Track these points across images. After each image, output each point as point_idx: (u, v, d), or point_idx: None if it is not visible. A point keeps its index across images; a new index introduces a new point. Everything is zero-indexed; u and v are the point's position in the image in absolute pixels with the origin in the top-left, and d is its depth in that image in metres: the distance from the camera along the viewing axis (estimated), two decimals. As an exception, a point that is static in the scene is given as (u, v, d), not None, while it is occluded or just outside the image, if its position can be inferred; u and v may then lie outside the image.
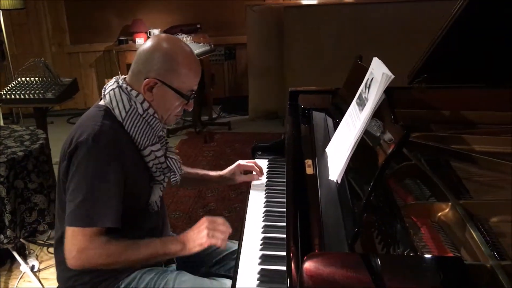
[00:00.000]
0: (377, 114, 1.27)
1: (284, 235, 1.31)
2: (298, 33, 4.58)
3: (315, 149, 1.60)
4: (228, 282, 1.45)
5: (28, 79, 3.02)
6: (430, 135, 1.66)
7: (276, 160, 1.93)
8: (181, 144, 4.56)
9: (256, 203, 1.61)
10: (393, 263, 0.94)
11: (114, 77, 1.46)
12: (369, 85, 1.34)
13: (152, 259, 1.39)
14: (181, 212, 3.19)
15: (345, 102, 1.56)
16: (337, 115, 1.67)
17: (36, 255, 2.70)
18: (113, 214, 1.33)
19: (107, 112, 1.39)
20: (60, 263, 1.52)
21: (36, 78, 3.03)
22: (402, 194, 1.33)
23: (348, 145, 1.32)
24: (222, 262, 1.62)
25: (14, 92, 2.90)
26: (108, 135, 1.34)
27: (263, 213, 1.53)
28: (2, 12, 4.50)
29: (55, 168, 1.62)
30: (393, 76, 1.23)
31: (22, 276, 2.53)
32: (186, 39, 4.50)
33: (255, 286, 1.18)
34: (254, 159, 1.97)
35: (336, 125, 1.60)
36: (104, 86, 1.45)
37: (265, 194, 1.67)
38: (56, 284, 1.54)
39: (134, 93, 1.39)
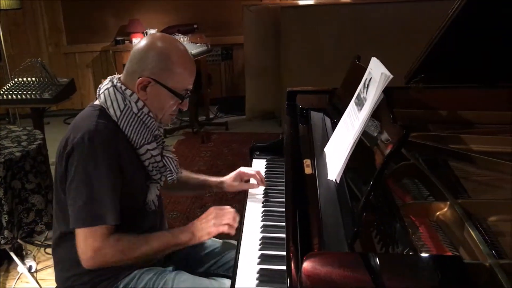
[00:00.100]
0: (376, 114, 1.28)
1: (283, 235, 1.32)
2: (295, 33, 4.58)
3: (314, 149, 1.60)
4: (227, 281, 1.44)
5: (25, 79, 3.01)
6: (428, 134, 1.66)
7: (274, 160, 1.93)
8: (178, 144, 4.56)
9: (255, 203, 1.61)
10: (392, 262, 0.95)
11: (109, 77, 1.46)
12: (368, 85, 1.35)
13: (164, 251, 1.43)
14: (178, 213, 3.19)
15: (342, 102, 1.57)
16: (335, 115, 1.67)
17: (34, 255, 2.69)
18: (115, 211, 1.35)
19: (102, 111, 1.39)
20: (58, 264, 1.52)
21: (33, 79, 3.01)
22: (400, 194, 1.34)
23: (347, 145, 1.32)
24: (221, 262, 1.62)
25: (11, 92, 2.89)
26: (103, 134, 1.34)
27: (262, 212, 1.53)
28: (-2, 12, 4.50)
29: (52, 169, 1.61)
30: (391, 76, 1.23)
31: (19, 277, 2.53)
32: (183, 39, 4.50)
33: (254, 286, 1.19)
34: (252, 159, 1.97)
35: (334, 125, 1.60)
36: (99, 86, 1.45)
37: (263, 194, 1.67)
38: (53, 285, 1.54)
39: (128, 92, 1.39)
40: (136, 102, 1.39)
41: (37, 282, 2.48)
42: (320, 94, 2.02)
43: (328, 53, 4.47)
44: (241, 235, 1.42)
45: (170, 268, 1.53)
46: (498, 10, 1.58)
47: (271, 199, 1.62)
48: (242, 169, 1.75)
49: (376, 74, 1.29)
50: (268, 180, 1.76)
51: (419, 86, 1.86)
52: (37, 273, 2.57)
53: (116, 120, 1.38)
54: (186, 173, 1.76)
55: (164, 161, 1.49)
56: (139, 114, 1.39)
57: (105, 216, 1.33)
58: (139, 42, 1.43)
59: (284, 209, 1.46)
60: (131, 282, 1.44)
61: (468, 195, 1.32)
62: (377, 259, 0.89)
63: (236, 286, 1.20)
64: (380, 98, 1.26)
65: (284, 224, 1.37)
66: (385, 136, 1.18)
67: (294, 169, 1.52)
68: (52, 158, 1.47)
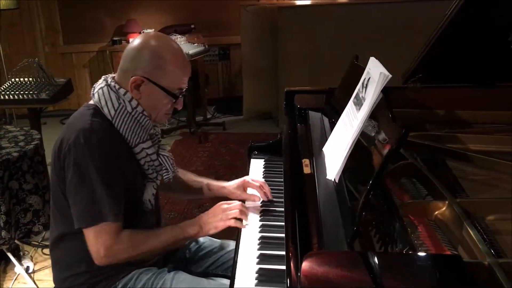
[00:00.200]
0: (375, 113, 1.28)
1: (282, 234, 1.32)
2: (292, 34, 4.58)
3: (312, 148, 1.60)
4: (226, 281, 1.44)
5: (21, 79, 3.00)
6: (426, 134, 1.67)
7: (272, 160, 1.93)
8: (176, 145, 4.55)
9: (253, 202, 1.61)
10: (391, 261, 0.95)
11: (103, 76, 1.45)
12: (366, 84, 1.35)
13: (173, 245, 1.46)
14: (176, 213, 3.18)
15: (341, 102, 1.57)
16: (333, 115, 1.68)
17: (31, 256, 2.69)
18: (118, 207, 1.35)
19: (96, 110, 1.39)
20: (56, 264, 1.51)
21: (30, 79, 3.00)
22: (398, 193, 1.34)
23: (346, 144, 1.32)
24: (219, 262, 1.62)
25: (7, 92, 2.87)
26: (98, 133, 1.34)
27: (260, 212, 1.53)
28: (-5, 12, 4.48)
29: (50, 169, 1.61)
30: (390, 76, 1.24)
31: (16, 277, 2.52)
32: (180, 39, 4.50)
33: (253, 286, 1.19)
34: (250, 159, 1.97)
35: (332, 125, 1.60)
36: (94, 85, 1.45)
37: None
38: (51, 285, 1.53)
39: (122, 91, 1.39)
40: (130, 101, 1.39)
41: (35, 283, 2.47)
42: (318, 94, 2.02)
43: (325, 53, 4.47)
44: (240, 235, 1.42)
45: (169, 268, 1.53)
46: (494, 11, 1.59)
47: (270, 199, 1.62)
48: (247, 178, 1.65)
49: (375, 73, 1.30)
50: (266, 180, 1.75)
51: (417, 86, 1.87)
52: (35, 273, 2.57)
53: (110, 119, 1.38)
54: (189, 176, 1.75)
55: (160, 159, 1.49)
56: (133, 113, 1.39)
57: (109, 214, 1.33)
58: (133, 40, 1.43)
59: (282, 209, 1.46)
60: (129, 282, 1.44)
61: (466, 194, 1.33)
62: (376, 258, 0.89)
63: (235, 286, 1.20)
64: (379, 97, 1.26)
65: (282, 223, 1.37)
66: (384, 135, 1.18)
67: (293, 168, 1.52)
68: (49, 158, 1.46)
